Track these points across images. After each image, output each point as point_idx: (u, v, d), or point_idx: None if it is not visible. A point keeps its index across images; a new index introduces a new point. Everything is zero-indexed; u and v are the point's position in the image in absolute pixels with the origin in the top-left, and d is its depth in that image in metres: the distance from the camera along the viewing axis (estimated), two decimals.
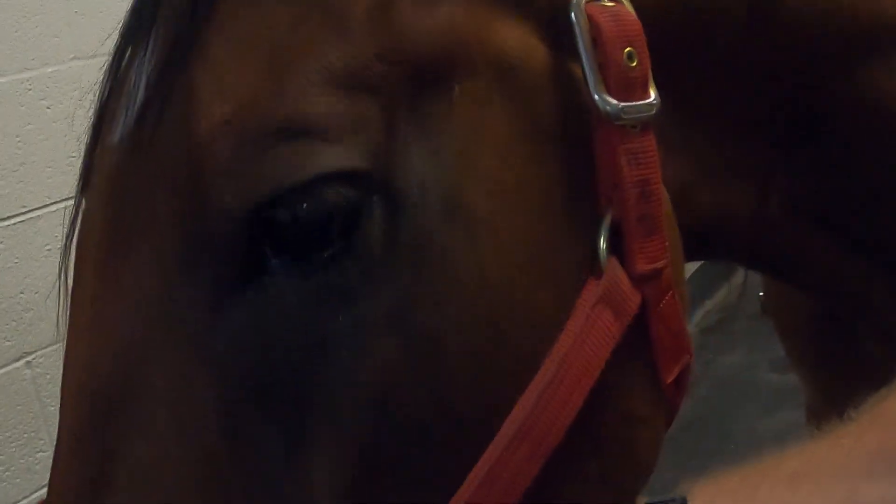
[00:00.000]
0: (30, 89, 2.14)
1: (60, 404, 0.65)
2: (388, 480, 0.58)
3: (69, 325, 0.65)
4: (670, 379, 0.68)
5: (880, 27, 0.81)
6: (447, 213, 0.59)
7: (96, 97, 0.71)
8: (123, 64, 0.65)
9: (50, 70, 2.18)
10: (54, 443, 0.65)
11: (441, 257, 0.58)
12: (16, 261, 2.14)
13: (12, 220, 2.13)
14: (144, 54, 0.63)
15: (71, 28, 2.20)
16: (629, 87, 0.63)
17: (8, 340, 2.14)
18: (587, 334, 0.61)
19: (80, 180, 0.70)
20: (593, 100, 0.62)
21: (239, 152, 0.57)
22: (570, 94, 0.64)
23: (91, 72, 0.68)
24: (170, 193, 0.59)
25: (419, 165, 0.59)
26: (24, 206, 2.15)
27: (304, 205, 0.57)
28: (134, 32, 0.65)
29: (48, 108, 2.17)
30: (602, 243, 0.63)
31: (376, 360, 0.57)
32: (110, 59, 0.68)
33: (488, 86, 0.62)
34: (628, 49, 0.64)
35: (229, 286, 0.58)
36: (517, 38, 0.63)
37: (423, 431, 0.58)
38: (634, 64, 0.64)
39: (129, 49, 0.65)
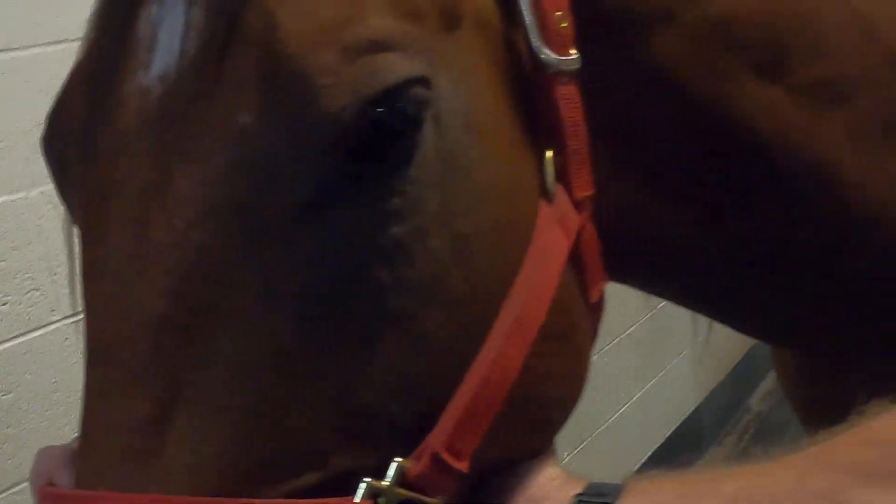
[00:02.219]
0: None
1: (96, 344, 0.66)
2: (437, 359, 0.68)
3: (94, 262, 0.68)
4: (595, 299, 0.83)
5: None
6: (466, 135, 0.70)
7: (85, 47, 0.76)
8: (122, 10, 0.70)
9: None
10: None
11: (465, 172, 0.70)
12: None
13: None
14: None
15: None
16: (561, 44, 0.78)
17: None
18: (546, 251, 0.74)
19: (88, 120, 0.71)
20: (535, 53, 0.77)
21: (341, 59, 0.63)
22: (517, 50, 0.78)
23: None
24: (252, 108, 0.63)
25: (446, 90, 0.69)
26: None
27: (391, 106, 0.64)
28: None
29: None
30: (549, 170, 0.77)
31: (428, 258, 0.67)
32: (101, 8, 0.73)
33: (474, 35, 0.74)
34: (559, 12, 0.78)
35: (319, 195, 0.64)
36: (484, 0, 0.76)
37: (462, 312, 0.69)
38: (564, 25, 0.78)
39: None
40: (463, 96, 0.70)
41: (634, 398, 4.06)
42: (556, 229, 0.76)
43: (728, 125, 0.92)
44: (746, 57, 0.93)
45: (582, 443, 3.61)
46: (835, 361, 1.19)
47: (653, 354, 4.14)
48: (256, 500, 0.63)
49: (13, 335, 2.05)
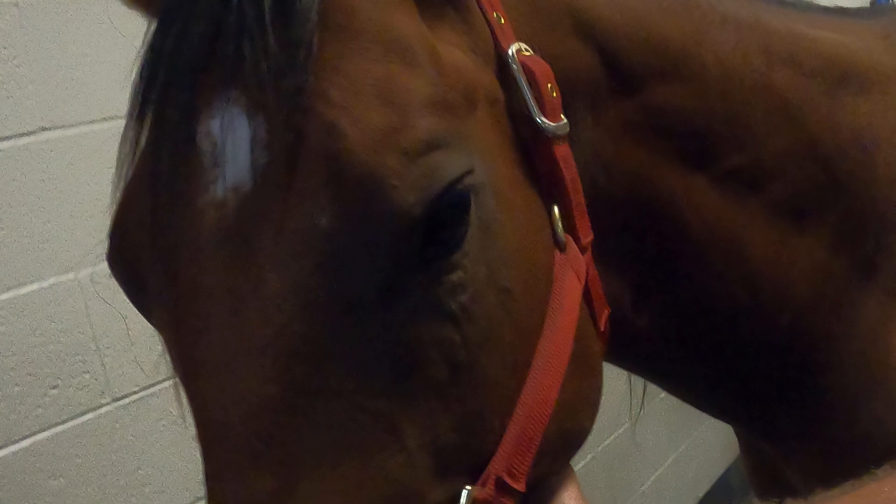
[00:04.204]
0: None
1: (212, 431, 0.72)
2: (495, 397, 0.77)
3: (198, 353, 0.73)
4: (603, 328, 0.96)
5: None
6: (495, 203, 0.79)
7: (139, 165, 0.81)
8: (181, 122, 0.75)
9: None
10: None
11: (499, 235, 0.79)
12: None
13: None
14: (222, 112, 0.74)
15: None
16: (554, 111, 0.89)
17: None
18: (564, 292, 0.85)
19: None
20: (536, 122, 0.87)
21: (403, 161, 0.71)
22: (518, 121, 0.87)
23: None
24: (327, 212, 0.70)
25: (478, 167, 0.77)
26: None
27: (451, 198, 0.73)
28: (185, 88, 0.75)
29: None
30: (558, 222, 0.89)
31: (485, 314, 0.77)
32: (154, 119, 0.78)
33: (486, 112, 0.83)
34: (549, 84, 0.89)
35: (395, 279, 0.72)
36: (490, 79, 0.86)
37: (512, 354, 0.79)
38: (555, 95, 0.89)
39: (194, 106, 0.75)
40: (489, 169, 0.79)
41: (667, 462, 4.01)
42: (570, 273, 0.87)
43: (652, 204, 1.03)
44: (675, 144, 1.04)
45: None
46: (758, 436, 1.28)
47: (683, 421, 4.10)
48: None
49: (63, 419, 2.02)
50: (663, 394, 3.88)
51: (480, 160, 0.78)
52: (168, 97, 0.77)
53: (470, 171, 0.75)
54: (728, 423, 1.32)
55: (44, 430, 1.99)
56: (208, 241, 0.73)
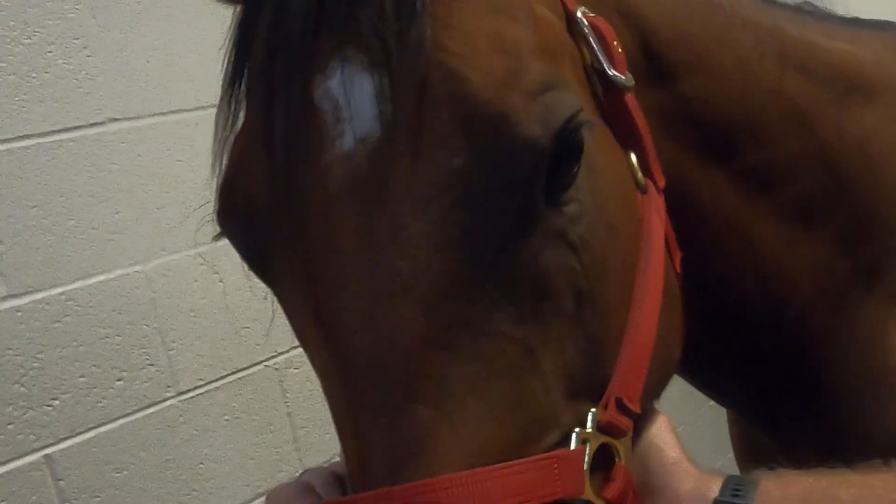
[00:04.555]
0: None
1: (361, 370, 0.75)
2: (611, 322, 0.83)
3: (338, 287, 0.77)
4: (678, 266, 1.01)
5: None
6: (593, 144, 0.84)
7: (247, 121, 0.85)
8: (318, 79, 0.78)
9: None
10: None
11: (599, 174, 0.84)
12: None
13: None
14: (342, 66, 0.77)
15: None
16: (621, 65, 0.94)
17: None
18: (651, 231, 0.91)
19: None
20: (608, 75, 0.92)
21: (525, 100, 0.76)
22: (591, 74, 0.93)
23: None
24: (459, 152, 0.75)
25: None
26: None
27: (570, 133, 0.77)
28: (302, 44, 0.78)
29: None
30: (636, 167, 0.95)
31: (599, 244, 0.82)
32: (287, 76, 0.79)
33: (570, 65, 0.88)
34: (615, 41, 0.93)
35: (526, 211, 0.77)
36: (566, 36, 0.91)
37: (620, 282, 0.85)
38: (620, 51, 0.94)
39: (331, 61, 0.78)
40: (585, 116, 0.81)
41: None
42: (653, 215, 0.93)
43: (679, 189, 1.06)
44: (700, 136, 1.10)
45: None
46: (758, 424, 1.34)
47: (676, 417, 3.99)
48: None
49: (128, 411, 2.02)
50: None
51: (581, 109, 0.82)
52: (275, 65, 0.80)
53: (581, 110, 0.79)
54: (729, 408, 1.39)
55: (108, 422, 2.00)
56: (340, 192, 0.76)
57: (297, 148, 0.78)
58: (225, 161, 0.88)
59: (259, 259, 0.87)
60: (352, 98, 0.77)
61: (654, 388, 0.93)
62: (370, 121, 0.76)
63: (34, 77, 1.90)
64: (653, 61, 1.07)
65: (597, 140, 0.86)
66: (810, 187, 1.14)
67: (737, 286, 1.15)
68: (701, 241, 1.10)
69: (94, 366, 1.97)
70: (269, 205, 0.81)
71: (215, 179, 0.88)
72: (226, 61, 0.87)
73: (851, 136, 1.16)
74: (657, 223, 0.93)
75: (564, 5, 0.93)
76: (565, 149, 0.78)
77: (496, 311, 0.76)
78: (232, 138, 0.87)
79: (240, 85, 0.86)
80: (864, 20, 1.34)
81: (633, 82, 0.95)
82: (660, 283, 0.89)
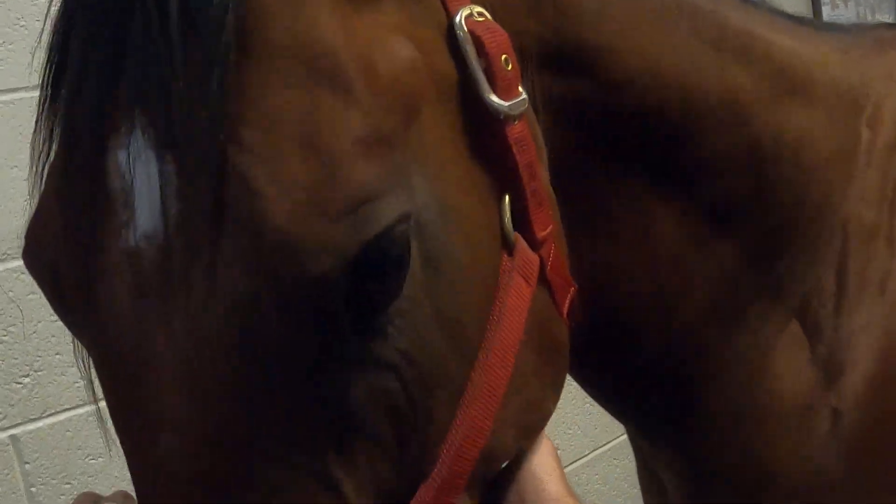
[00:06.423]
0: None
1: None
2: (435, 435, 0.73)
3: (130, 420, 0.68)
4: (566, 311, 0.91)
5: None
6: (442, 223, 0.73)
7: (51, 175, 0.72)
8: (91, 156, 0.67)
9: None
10: None
11: (448, 262, 0.73)
12: None
13: None
14: (127, 149, 0.65)
15: None
16: (508, 87, 0.79)
17: None
18: (507, 308, 0.78)
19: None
20: (485, 101, 0.78)
21: (324, 223, 0.63)
22: (469, 98, 0.78)
23: None
24: (247, 276, 0.63)
25: (421, 191, 0.71)
26: None
27: (378, 252, 0.66)
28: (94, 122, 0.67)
29: None
30: (507, 220, 0.80)
31: (428, 355, 0.71)
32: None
33: (433, 109, 0.74)
34: (504, 55, 0.79)
35: (328, 346, 0.67)
36: (442, 57, 0.77)
37: (448, 383, 0.73)
38: (510, 67, 0.80)
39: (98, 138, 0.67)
40: (436, 182, 0.73)
41: None
42: (516, 281, 0.80)
43: (583, 185, 1.00)
44: (621, 128, 0.99)
45: None
46: (640, 434, 1.28)
47: None
48: None
49: None
50: None
51: (423, 178, 0.71)
52: (75, 108, 0.68)
53: (406, 215, 0.68)
54: (618, 418, 1.30)
55: (84, 404, 1.90)
56: (121, 292, 0.66)
57: (86, 222, 0.68)
58: (36, 198, 0.76)
59: (58, 311, 0.77)
60: (137, 182, 0.65)
61: (523, 440, 0.85)
62: (154, 216, 0.65)
63: None
64: (571, 46, 0.95)
65: (450, 209, 0.74)
66: (731, 189, 1.05)
67: (627, 280, 1.06)
68: (596, 227, 1.03)
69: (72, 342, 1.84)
70: (66, 264, 0.71)
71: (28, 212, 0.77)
72: (41, 79, 0.74)
73: (786, 141, 1.07)
74: (516, 292, 0.80)
75: (446, 8, 0.79)
76: (376, 268, 0.66)
77: (291, 444, 0.67)
78: (45, 171, 0.75)
79: (53, 111, 0.73)
80: (817, 21, 1.18)
81: (523, 107, 0.80)
82: (508, 366, 0.77)
